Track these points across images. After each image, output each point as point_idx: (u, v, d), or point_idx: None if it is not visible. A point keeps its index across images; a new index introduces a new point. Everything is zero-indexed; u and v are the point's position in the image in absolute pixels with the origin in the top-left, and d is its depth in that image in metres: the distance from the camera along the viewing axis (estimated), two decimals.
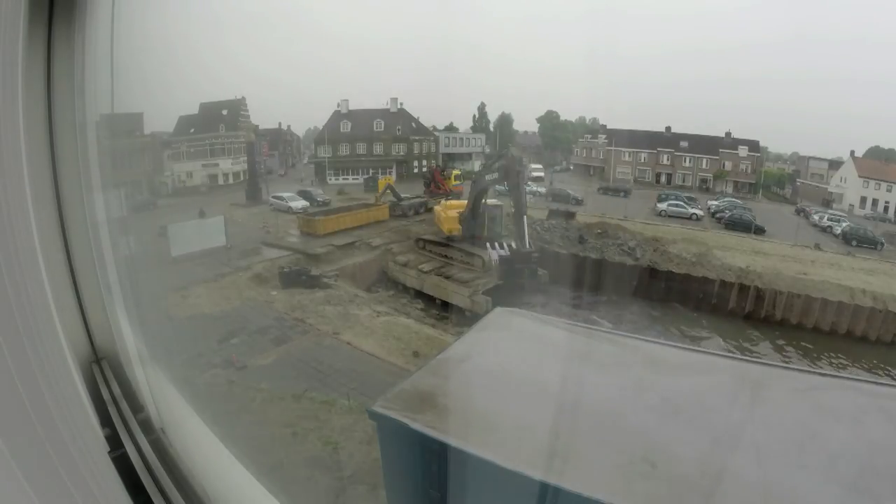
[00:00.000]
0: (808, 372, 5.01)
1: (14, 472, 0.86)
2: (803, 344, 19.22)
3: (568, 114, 67.61)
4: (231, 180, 44.24)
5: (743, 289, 22.49)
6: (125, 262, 2.74)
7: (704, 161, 52.09)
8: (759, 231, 31.91)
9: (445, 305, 20.83)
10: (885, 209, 42.45)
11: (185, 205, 33.06)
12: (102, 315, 2.18)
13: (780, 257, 25.54)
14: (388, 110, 52.05)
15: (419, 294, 21.94)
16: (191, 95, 43.39)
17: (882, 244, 30.08)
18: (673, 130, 53.82)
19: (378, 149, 50.43)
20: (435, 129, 55.28)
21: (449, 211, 25.76)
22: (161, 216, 27.85)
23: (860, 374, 15.84)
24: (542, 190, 41.98)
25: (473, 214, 23.10)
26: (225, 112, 45.95)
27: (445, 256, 23.53)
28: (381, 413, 4.06)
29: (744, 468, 3.27)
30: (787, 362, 14.95)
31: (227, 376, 12.13)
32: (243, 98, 47.28)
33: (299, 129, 63.85)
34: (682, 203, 37.91)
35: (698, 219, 35.71)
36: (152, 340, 2.64)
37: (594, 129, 59.91)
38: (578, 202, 37.91)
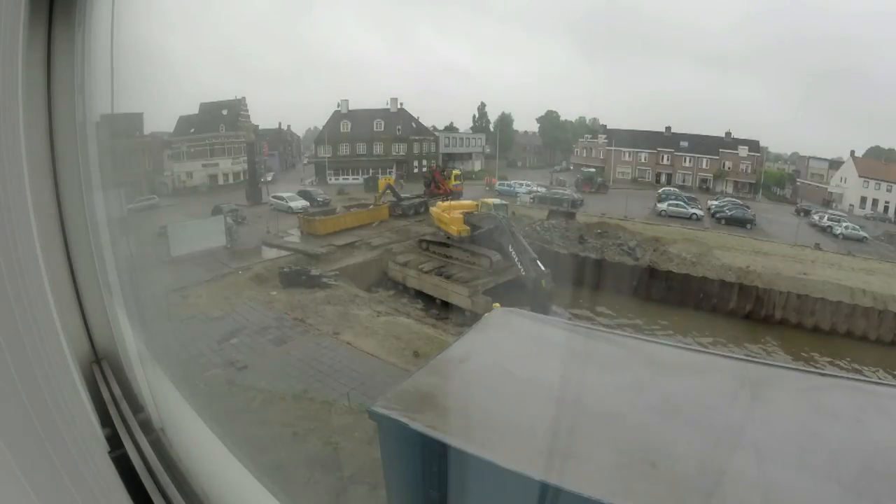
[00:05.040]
0: (808, 372, 5.00)
1: (14, 472, 0.86)
2: (803, 355, 19.08)
3: (568, 114, 67.65)
4: (231, 180, 44.21)
5: (743, 289, 22.47)
6: (125, 262, 2.74)
7: (704, 161, 52.06)
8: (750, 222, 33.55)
9: (446, 305, 20.84)
10: (885, 209, 42.44)
11: (185, 205, 33.07)
12: (102, 315, 2.17)
13: (781, 257, 25.51)
14: (388, 110, 51.95)
15: (419, 294, 21.94)
16: (191, 95, 43.47)
17: (866, 238, 32.65)
18: (673, 130, 53.83)
19: (378, 149, 50.36)
20: (435, 129, 55.22)
21: (453, 212, 25.57)
22: (161, 216, 27.82)
23: (860, 375, 15.82)
24: (542, 190, 41.96)
25: None
26: (225, 112, 45.90)
27: (449, 257, 23.50)
28: (382, 413, 4.06)
29: (744, 468, 3.27)
30: (787, 362, 14.93)
31: (227, 376, 12.12)
32: (243, 98, 47.27)
33: (299, 129, 63.85)
34: (682, 203, 37.94)
35: (698, 219, 35.75)
36: (152, 340, 2.63)
37: (594, 129, 59.89)
38: (578, 202, 37.94)
